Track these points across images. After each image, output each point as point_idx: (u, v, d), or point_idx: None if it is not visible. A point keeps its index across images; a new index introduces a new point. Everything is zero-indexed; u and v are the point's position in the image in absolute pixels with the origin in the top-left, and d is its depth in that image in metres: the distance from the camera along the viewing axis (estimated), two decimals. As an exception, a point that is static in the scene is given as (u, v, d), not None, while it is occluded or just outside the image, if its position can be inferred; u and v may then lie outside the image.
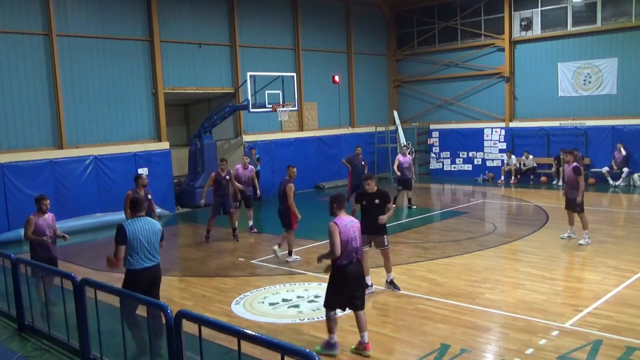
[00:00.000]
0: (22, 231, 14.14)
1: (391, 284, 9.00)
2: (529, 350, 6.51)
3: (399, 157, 16.73)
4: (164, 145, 17.66)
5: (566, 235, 11.90)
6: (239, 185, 13.75)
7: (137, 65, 17.15)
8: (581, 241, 11.41)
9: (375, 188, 8.79)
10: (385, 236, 8.84)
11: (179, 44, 18.07)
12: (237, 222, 13.54)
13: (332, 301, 6.64)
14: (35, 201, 8.89)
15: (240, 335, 4.46)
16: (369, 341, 6.62)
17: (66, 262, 11.58)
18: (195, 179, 18.39)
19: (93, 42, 16.19)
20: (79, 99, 15.98)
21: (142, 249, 6.42)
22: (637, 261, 10.03)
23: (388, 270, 9.04)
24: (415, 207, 16.61)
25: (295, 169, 11.41)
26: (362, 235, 7.24)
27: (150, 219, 6.63)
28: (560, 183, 19.94)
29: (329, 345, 6.63)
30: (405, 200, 16.97)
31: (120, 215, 15.96)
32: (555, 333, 6.98)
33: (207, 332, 4.79)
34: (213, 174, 13.34)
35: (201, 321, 4.83)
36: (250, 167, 14.37)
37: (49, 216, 8.81)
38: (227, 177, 13.23)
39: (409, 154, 17.12)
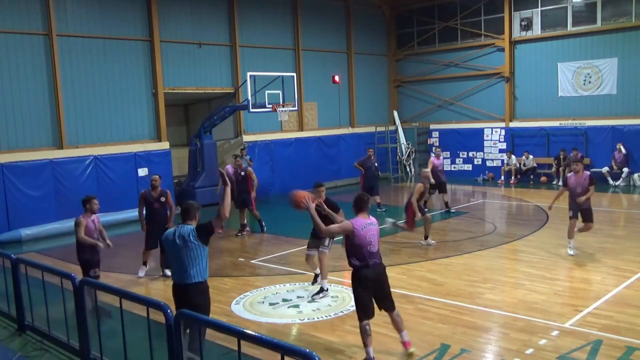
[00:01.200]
0: (22, 231, 14.26)
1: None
2: (529, 350, 6.51)
3: (433, 159, 15.86)
4: (164, 145, 17.66)
5: (572, 252, 10.70)
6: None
7: (137, 65, 17.15)
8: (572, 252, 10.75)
9: (323, 197, 8.59)
10: (325, 239, 8.77)
11: (179, 44, 18.08)
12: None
13: (359, 310, 6.30)
14: (83, 202, 8.65)
15: (240, 335, 4.45)
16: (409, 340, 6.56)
17: (66, 262, 11.59)
18: (195, 179, 18.38)
19: (93, 42, 16.19)
20: (79, 99, 15.98)
21: (170, 260, 5.96)
22: (637, 261, 10.03)
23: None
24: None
25: (427, 172, 12.71)
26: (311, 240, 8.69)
27: (187, 227, 5.86)
28: (561, 183, 19.97)
29: None
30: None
31: (120, 215, 16.03)
32: (555, 333, 6.98)
33: (207, 332, 4.79)
34: (231, 171, 13.72)
35: (201, 321, 4.83)
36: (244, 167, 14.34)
37: (95, 217, 8.66)
38: (243, 173, 13.57)
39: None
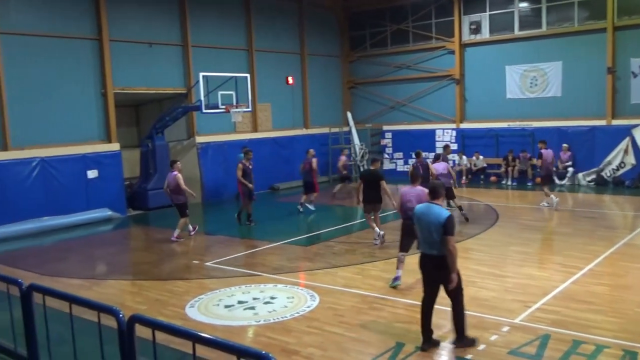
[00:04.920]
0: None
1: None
2: (481, 347, 6.66)
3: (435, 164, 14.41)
4: (114, 146, 17.26)
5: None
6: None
7: (85, 64, 16.69)
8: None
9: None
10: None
11: (129, 43, 17.69)
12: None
13: (400, 245, 9.19)
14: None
15: (194, 338, 4.39)
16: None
17: (11, 268, 11.20)
18: (147, 181, 18.04)
19: (39, 41, 15.65)
20: (25, 99, 15.40)
21: (420, 230, 6.79)
22: (581, 257, 10.40)
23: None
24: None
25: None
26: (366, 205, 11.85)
27: (437, 208, 6.60)
28: (510, 182, 20.55)
29: (396, 278, 8.97)
30: None
31: (68, 219, 15.59)
32: (505, 329, 7.17)
33: (161, 336, 4.71)
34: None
35: (155, 325, 4.74)
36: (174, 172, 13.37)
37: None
38: (251, 167, 14.92)
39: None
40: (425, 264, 6.73)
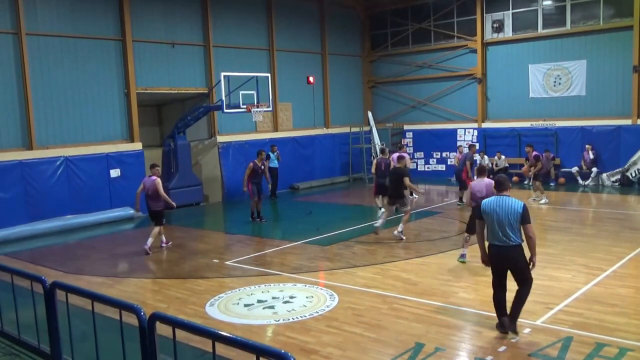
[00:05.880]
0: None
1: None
2: (502, 348, 6.60)
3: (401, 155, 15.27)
4: (137, 145, 17.45)
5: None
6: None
7: (109, 65, 16.91)
8: None
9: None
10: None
11: (152, 44, 17.88)
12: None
13: (467, 228, 10.59)
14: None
15: (214, 336, 4.42)
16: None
17: (36, 265, 11.39)
18: (169, 180, 18.18)
19: (64, 41, 15.91)
20: (49, 99, 15.69)
21: (490, 223, 6.89)
22: (605, 259, 10.24)
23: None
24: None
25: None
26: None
27: (508, 198, 6.84)
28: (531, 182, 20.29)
29: (462, 255, 10.40)
30: None
31: (91, 217, 15.81)
32: (527, 330, 7.09)
33: (181, 334, 4.75)
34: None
35: (175, 323, 4.78)
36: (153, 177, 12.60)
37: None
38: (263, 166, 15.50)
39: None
40: (497, 254, 6.86)
